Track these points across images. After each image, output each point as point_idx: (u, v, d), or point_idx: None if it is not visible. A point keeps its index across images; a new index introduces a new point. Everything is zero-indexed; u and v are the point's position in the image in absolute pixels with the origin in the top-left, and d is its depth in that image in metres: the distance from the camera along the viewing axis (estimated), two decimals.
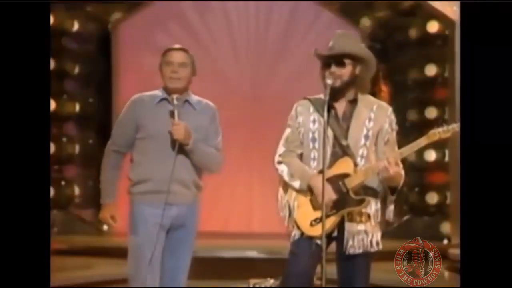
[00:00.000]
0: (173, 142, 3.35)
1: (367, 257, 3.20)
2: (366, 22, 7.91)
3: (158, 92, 3.49)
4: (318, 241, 3.10)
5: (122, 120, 3.52)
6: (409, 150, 3.11)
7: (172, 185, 3.34)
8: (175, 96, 3.39)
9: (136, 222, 3.40)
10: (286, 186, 3.25)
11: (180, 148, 3.33)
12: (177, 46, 3.51)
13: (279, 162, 3.24)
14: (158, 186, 3.35)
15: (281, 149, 3.26)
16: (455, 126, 3.07)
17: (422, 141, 3.08)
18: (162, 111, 3.41)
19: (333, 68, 3.14)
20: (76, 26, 7.61)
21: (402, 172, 3.13)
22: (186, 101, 3.46)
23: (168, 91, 3.44)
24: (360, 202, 3.12)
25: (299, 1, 7.79)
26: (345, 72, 3.16)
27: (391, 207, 3.24)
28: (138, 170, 3.42)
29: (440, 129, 3.08)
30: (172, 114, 3.37)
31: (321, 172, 3.07)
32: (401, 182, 3.15)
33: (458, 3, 7.09)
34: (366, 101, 3.23)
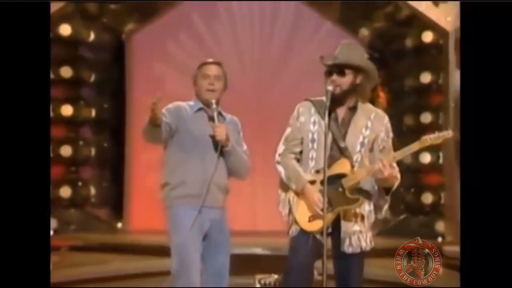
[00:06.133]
0: (212, 146, 3.33)
1: (361, 254, 3.20)
2: (364, 32, 7.90)
3: (194, 103, 3.46)
4: (316, 236, 3.12)
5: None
6: (402, 154, 3.11)
7: (212, 187, 3.33)
8: (214, 100, 3.38)
9: (179, 224, 3.33)
10: (284, 184, 3.26)
11: (220, 151, 3.32)
12: (211, 60, 3.49)
13: (278, 162, 3.26)
14: (198, 189, 3.32)
15: (280, 148, 3.27)
16: (446, 134, 3.08)
17: (414, 146, 3.08)
18: (201, 119, 3.41)
19: (334, 77, 3.14)
20: (92, 36, 7.62)
21: (398, 174, 3.14)
22: (219, 112, 3.45)
23: (203, 102, 3.43)
24: (355, 201, 3.12)
25: (298, 0, 7.74)
26: (345, 81, 3.16)
27: (386, 206, 3.23)
28: (177, 174, 3.37)
29: (432, 136, 3.08)
30: (212, 118, 3.36)
31: (317, 172, 3.12)
32: (396, 183, 3.16)
33: (452, 13, 7.08)
34: (365, 109, 3.22)
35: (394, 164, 3.14)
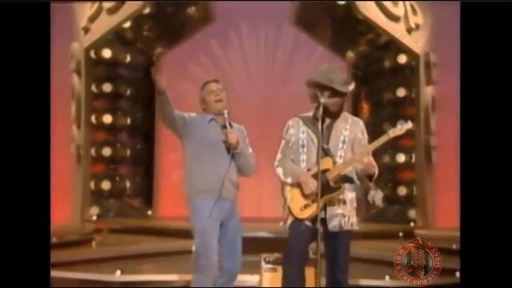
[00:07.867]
0: (224, 150, 3.33)
1: (347, 235, 3.22)
2: (350, 54, 7.91)
3: (206, 115, 3.46)
4: (307, 222, 3.13)
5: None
6: (373, 146, 3.17)
7: (226, 183, 3.34)
8: (226, 110, 3.39)
9: (200, 214, 3.32)
10: (283, 186, 3.29)
11: (232, 153, 3.32)
12: (211, 79, 3.50)
13: (277, 166, 3.32)
14: (214, 185, 3.33)
15: (278, 156, 3.35)
16: (406, 126, 3.11)
17: (382, 139, 3.11)
18: (213, 127, 3.42)
19: (334, 98, 3.15)
20: (128, 58, 7.64)
21: (374, 163, 3.17)
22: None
23: (214, 113, 3.43)
24: (337, 189, 3.14)
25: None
26: (342, 100, 3.21)
27: (379, 192, 3.26)
28: (195, 173, 3.37)
29: (395, 129, 3.11)
30: (224, 126, 3.37)
31: (309, 170, 3.16)
32: (375, 171, 3.16)
33: (422, 40, 7.07)
34: (343, 116, 3.29)
35: (369, 155, 3.16)
